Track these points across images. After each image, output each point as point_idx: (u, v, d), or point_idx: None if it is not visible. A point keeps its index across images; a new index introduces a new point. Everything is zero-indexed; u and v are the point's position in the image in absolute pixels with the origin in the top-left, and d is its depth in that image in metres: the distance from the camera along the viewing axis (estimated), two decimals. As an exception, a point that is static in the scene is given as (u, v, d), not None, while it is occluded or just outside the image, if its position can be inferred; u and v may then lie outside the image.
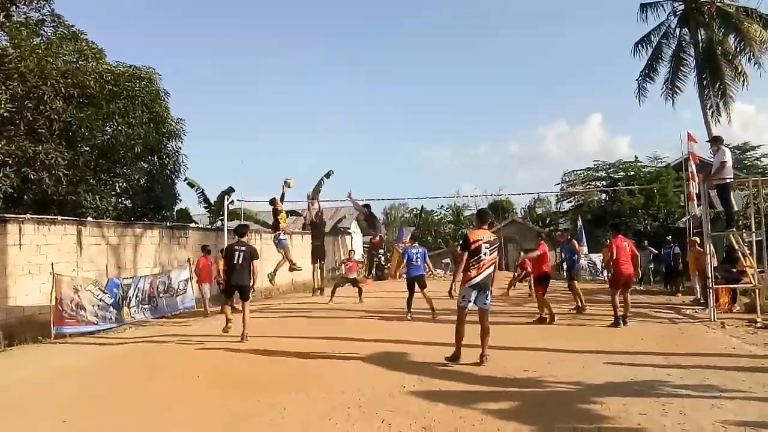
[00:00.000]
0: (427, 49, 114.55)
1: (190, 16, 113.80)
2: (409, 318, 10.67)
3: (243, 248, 9.18)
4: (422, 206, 48.12)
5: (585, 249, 24.74)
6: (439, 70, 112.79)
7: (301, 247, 23.64)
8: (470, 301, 6.66)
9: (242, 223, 13.08)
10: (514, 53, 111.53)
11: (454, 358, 6.79)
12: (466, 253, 6.67)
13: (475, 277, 6.60)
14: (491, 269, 6.69)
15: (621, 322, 9.55)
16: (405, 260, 11.62)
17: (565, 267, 14.38)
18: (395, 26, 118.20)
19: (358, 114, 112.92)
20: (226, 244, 14.22)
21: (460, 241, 7.21)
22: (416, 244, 11.85)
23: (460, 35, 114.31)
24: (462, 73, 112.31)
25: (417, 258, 11.22)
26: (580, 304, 11.95)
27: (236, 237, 9.59)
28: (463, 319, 6.78)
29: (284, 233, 13.73)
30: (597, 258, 23.72)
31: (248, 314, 9.03)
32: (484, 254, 6.60)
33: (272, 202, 13.98)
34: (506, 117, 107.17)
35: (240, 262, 9.03)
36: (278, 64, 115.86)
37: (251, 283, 9.22)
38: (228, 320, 9.34)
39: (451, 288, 7.19)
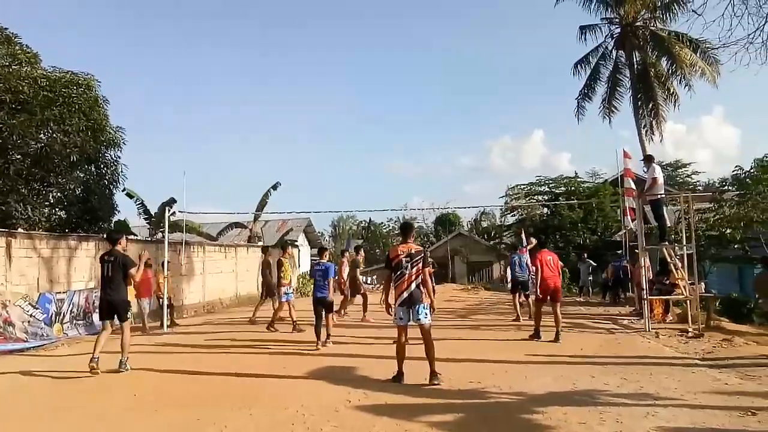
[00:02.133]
0: (380, 55, 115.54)
1: (134, 26, 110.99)
2: (318, 348, 8.97)
3: (112, 258, 7.53)
4: (370, 219, 48.20)
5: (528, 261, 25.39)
6: (394, 79, 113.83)
7: (247, 260, 23.27)
8: (402, 319, 6.46)
9: (113, 229, 12.19)
10: (460, 62, 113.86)
11: (397, 377, 6.55)
12: (390, 271, 6.57)
13: (402, 293, 6.40)
14: (416, 282, 6.42)
15: (539, 335, 9.67)
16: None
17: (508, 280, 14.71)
18: (350, 35, 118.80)
19: (307, 123, 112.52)
20: (166, 257, 13.88)
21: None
22: (323, 260, 9.86)
23: (409, 43, 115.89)
24: (413, 82, 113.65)
25: (320, 277, 9.34)
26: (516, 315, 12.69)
27: (109, 246, 7.93)
28: (402, 337, 6.56)
29: (289, 287, 11.79)
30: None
31: (128, 337, 7.57)
32: (406, 267, 6.39)
33: (284, 247, 12.77)
34: (454, 128, 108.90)
35: (110, 274, 7.45)
36: (224, 72, 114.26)
37: (126, 297, 7.74)
38: (96, 347, 7.33)
39: (381, 300, 7.19)
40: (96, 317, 11.80)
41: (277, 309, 11.65)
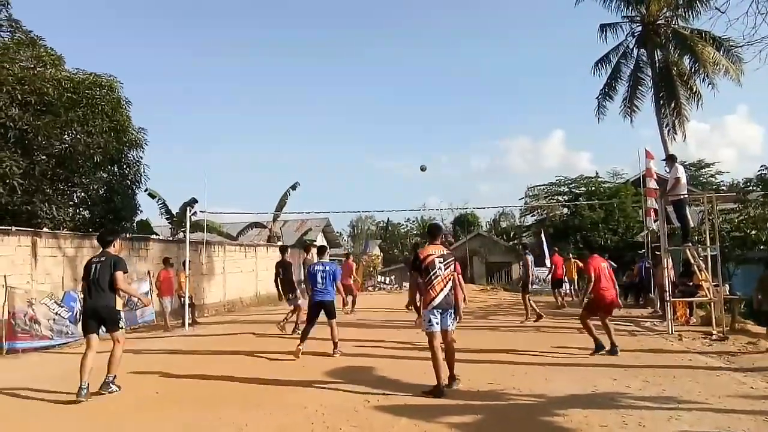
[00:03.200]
0: (394, 59, 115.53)
1: (156, 26, 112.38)
2: (299, 352, 8.33)
3: (102, 258, 6.52)
4: (388, 219, 48.21)
5: (548, 262, 25.17)
6: (404, 80, 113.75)
7: (266, 259, 23.45)
8: (437, 324, 6.05)
9: (107, 228, 11.47)
10: (476, 66, 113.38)
11: (438, 392, 5.96)
12: (421, 272, 6.14)
13: (435, 297, 6.02)
14: (450, 286, 6.13)
15: (602, 347, 8.32)
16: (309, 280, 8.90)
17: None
18: (361, 37, 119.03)
19: (324, 125, 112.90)
20: (187, 257, 14.03)
21: (412, 257, 6.74)
22: (323, 260, 9.05)
23: (424, 46, 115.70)
24: (426, 84, 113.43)
25: (323, 278, 8.55)
26: (536, 314, 12.50)
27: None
28: (436, 345, 6.04)
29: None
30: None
31: (120, 351, 6.41)
32: (439, 269, 6.06)
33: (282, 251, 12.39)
34: (471, 129, 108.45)
35: (96, 276, 6.37)
36: (246, 74, 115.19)
37: (115, 304, 6.45)
38: (83, 371, 6.08)
39: (408, 304, 7.12)
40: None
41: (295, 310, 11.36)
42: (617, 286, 9.00)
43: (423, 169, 14.44)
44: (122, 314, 6.66)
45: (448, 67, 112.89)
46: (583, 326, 8.60)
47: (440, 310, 6.06)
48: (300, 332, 9.28)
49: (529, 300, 12.74)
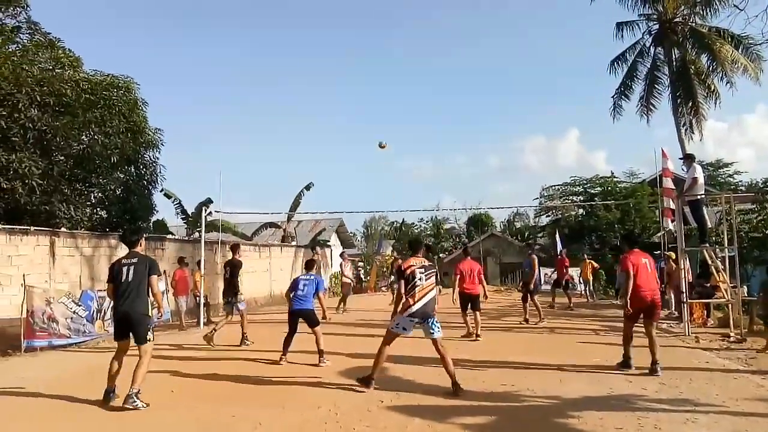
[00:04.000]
0: (406, 58, 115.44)
1: (170, 26, 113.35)
2: (282, 363, 8.03)
3: (135, 259, 6.13)
4: (402, 219, 48.17)
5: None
6: (418, 79, 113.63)
7: (280, 259, 23.61)
8: (405, 330, 6.30)
9: (130, 227, 11.03)
10: (492, 64, 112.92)
11: (367, 380, 6.35)
12: (402, 281, 6.34)
13: (413, 305, 6.16)
14: (432, 295, 6.30)
15: (630, 363, 7.27)
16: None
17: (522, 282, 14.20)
18: (374, 36, 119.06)
19: (339, 125, 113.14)
20: (202, 256, 14.13)
21: (393, 270, 6.96)
22: (311, 273, 8.70)
23: (439, 44, 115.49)
24: (440, 83, 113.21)
25: (305, 286, 8.28)
26: (539, 316, 12.36)
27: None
28: (389, 343, 6.41)
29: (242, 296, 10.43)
30: (574, 272, 23.93)
31: (146, 363, 5.91)
32: (420, 279, 6.22)
33: (234, 249, 11.02)
34: (484, 129, 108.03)
35: (129, 279, 5.96)
36: (259, 74, 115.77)
37: (150, 312, 6.14)
38: (111, 381, 6.00)
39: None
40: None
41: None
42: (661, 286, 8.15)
43: (381, 146, 13.10)
44: (152, 323, 6.27)
45: (465, 66, 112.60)
46: (623, 335, 7.52)
47: (417, 319, 6.21)
48: (248, 342, 9.87)
49: (536, 300, 12.60)
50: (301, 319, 8.22)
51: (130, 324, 5.97)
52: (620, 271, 7.96)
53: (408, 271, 6.30)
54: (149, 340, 6.01)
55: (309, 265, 9.08)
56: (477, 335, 10.11)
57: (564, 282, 17.01)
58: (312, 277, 8.48)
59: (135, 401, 5.65)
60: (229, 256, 10.96)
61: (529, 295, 12.59)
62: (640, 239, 8.22)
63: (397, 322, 6.31)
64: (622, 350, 7.46)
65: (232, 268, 10.34)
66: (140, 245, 6.44)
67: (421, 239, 7.39)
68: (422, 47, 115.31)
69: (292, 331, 8.30)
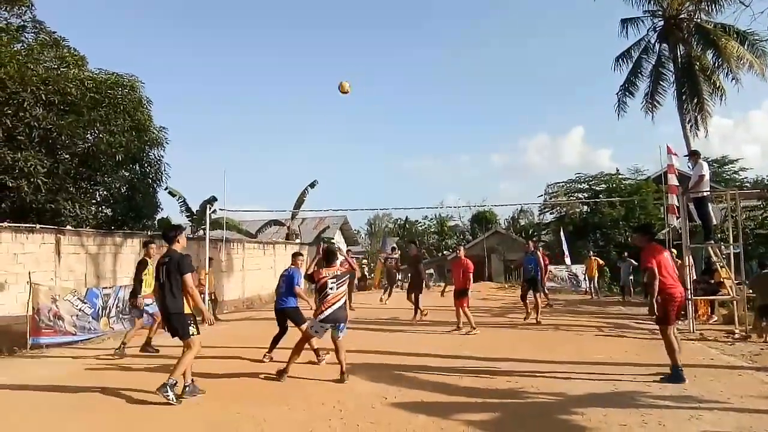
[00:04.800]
0: (413, 58, 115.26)
1: (175, 26, 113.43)
2: (265, 360, 8.00)
3: (167, 259, 6.13)
4: (407, 217, 48.08)
5: (568, 260, 25.00)
6: (422, 79, 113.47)
7: (285, 257, 23.61)
8: (317, 333, 6.91)
9: (172, 224, 10.34)
10: (498, 64, 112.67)
11: (281, 372, 6.88)
12: (317, 290, 6.92)
13: (324, 311, 6.72)
14: (341, 302, 6.85)
15: (682, 374, 6.34)
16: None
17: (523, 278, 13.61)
18: (380, 36, 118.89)
19: (342, 123, 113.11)
20: (206, 254, 14.17)
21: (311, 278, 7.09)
22: (291, 265, 8.59)
23: (445, 45, 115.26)
24: (446, 83, 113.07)
25: (283, 283, 8.26)
26: (536, 314, 12.13)
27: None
28: (306, 341, 7.08)
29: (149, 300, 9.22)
30: (578, 269, 23.89)
31: (190, 356, 6.02)
32: (331, 289, 6.77)
33: (146, 245, 9.74)
34: (489, 128, 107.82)
35: (163, 280, 6.06)
36: (262, 73, 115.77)
37: (183, 310, 6.04)
38: (184, 378, 6.05)
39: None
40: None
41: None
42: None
43: (344, 90, 11.36)
44: (191, 319, 6.12)
45: (470, 64, 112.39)
46: (665, 342, 6.59)
47: (329, 324, 6.77)
48: (151, 350, 9.08)
49: (537, 297, 12.43)
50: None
51: (169, 322, 6.09)
52: (642, 268, 6.91)
53: (321, 282, 6.82)
54: (192, 334, 6.04)
55: (295, 257, 8.87)
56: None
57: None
58: (287, 272, 8.32)
59: (167, 392, 5.66)
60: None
61: (534, 291, 12.43)
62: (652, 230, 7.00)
63: (312, 325, 6.93)
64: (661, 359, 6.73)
65: (138, 267, 9.39)
66: (177, 242, 6.32)
67: (335, 250, 7.27)
68: (427, 47, 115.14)
69: (281, 329, 8.29)
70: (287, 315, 8.19)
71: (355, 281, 18.02)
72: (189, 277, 6.03)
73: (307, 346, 7.21)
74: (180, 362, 5.89)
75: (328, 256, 7.22)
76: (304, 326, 7.88)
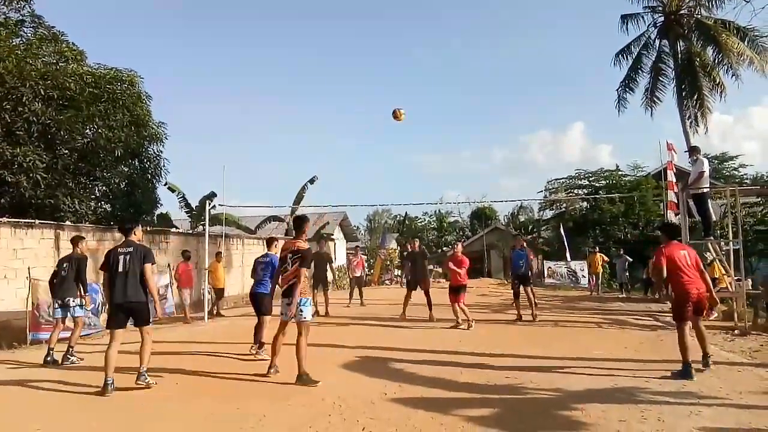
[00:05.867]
0: (412, 55, 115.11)
1: (174, 16, 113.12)
2: (253, 353, 8.09)
3: (130, 248, 6.38)
4: (406, 213, 48.07)
5: (568, 255, 25.03)
6: (424, 76, 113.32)
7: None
8: (282, 314, 6.42)
9: (126, 216, 10.28)
10: (499, 61, 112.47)
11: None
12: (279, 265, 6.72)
13: (282, 287, 6.49)
14: (294, 280, 6.32)
15: (691, 369, 6.35)
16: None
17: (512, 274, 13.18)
18: (381, 32, 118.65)
19: (342, 118, 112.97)
20: (207, 250, 14.16)
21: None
22: (269, 251, 8.61)
23: (445, 42, 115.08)
24: (446, 80, 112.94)
25: (262, 270, 8.31)
26: (531, 309, 11.78)
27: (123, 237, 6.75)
28: (282, 331, 6.63)
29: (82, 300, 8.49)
30: (577, 265, 23.92)
31: (150, 343, 6.35)
32: (288, 265, 6.44)
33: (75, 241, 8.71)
34: (490, 124, 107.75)
35: (126, 269, 6.24)
36: (262, 68, 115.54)
37: (146, 298, 6.36)
38: (107, 366, 6.06)
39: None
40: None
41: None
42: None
43: (397, 116, 11.47)
44: (149, 307, 6.47)
45: (471, 60, 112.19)
46: (678, 337, 6.61)
47: (287, 300, 6.37)
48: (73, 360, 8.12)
49: (530, 292, 12.06)
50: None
51: (130, 311, 6.29)
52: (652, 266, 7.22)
53: (281, 257, 6.66)
54: (149, 323, 6.45)
55: (269, 242, 8.88)
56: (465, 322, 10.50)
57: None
58: (268, 259, 8.30)
59: (146, 378, 6.13)
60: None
61: (524, 286, 11.98)
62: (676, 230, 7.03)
63: (280, 308, 6.49)
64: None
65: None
66: (135, 234, 6.62)
67: (304, 216, 6.90)
68: (429, 44, 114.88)
69: (257, 317, 8.22)
70: (258, 298, 8.22)
71: (365, 277, 17.90)
72: (149, 267, 6.36)
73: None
74: (143, 351, 6.22)
75: (296, 224, 6.78)
76: (266, 318, 8.07)
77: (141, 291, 6.28)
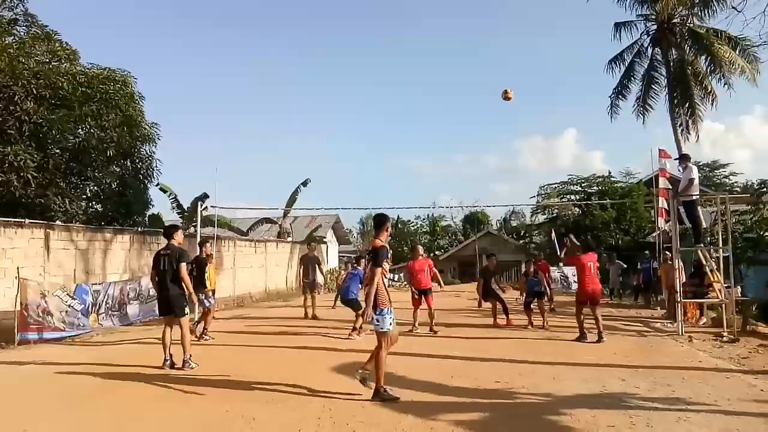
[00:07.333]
0: (407, 59, 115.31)
1: (169, 17, 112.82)
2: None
3: (169, 251, 7.60)
4: (398, 216, 48.12)
5: (560, 263, 25.07)
6: (420, 79, 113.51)
7: (276, 255, 23.62)
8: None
9: (169, 225, 10.81)
10: (492, 65, 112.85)
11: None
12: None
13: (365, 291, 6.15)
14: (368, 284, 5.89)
15: (584, 337, 9.58)
16: None
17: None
18: (376, 36, 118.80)
19: (334, 122, 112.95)
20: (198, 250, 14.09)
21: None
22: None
23: (438, 47, 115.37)
24: (441, 84, 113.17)
25: (350, 280, 9.66)
26: (542, 319, 11.86)
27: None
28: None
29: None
30: (569, 270, 23.97)
31: (187, 333, 7.56)
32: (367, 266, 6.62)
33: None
34: (484, 128, 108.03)
35: (165, 268, 7.47)
36: (256, 70, 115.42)
37: (183, 293, 7.52)
38: (166, 354, 7.47)
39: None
40: (130, 309, 12.03)
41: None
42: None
43: (507, 96, 11.69)
44: (187, 301, 7.58)
45: (466, 66, 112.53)
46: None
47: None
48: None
49: (542, 304, 12.34)
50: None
51: (169, 304, 7.42)
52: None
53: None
54: (185, 314, 7.57)
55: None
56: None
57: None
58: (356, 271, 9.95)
59: (190, 364, 7.34)
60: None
61: (539, 300, 12.28)
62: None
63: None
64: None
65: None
66: (175, 238, 7.72)
67: (385, 215, 6.28)
68: (423, 48, 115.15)
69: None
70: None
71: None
72: (183, 266, 7.48)
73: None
74: (183, 341, 7.39)
75: (376, 222, 6.29)
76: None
77: (176, 286, 7.41)
